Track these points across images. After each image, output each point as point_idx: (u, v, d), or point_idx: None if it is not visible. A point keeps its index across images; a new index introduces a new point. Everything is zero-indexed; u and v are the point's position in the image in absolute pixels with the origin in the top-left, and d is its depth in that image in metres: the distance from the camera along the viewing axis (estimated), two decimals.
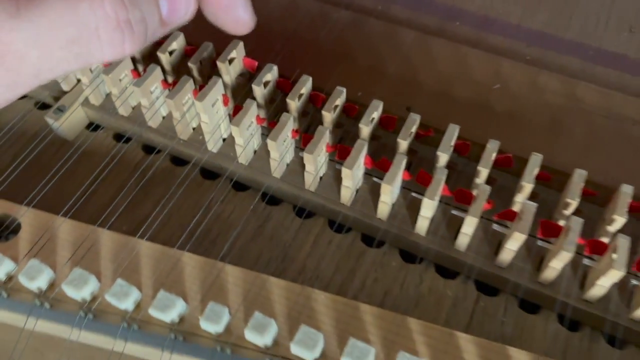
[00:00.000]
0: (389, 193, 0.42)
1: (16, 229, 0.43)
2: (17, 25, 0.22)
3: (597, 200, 0.44)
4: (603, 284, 0.39)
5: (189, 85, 0.46)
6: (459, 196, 0.42)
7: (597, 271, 0.39)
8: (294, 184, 0.46)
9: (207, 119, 0.45)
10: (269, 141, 0.43)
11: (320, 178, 0.47)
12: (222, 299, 0.39)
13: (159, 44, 0.50)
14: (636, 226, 0.43)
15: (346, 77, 0.50)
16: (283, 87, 0.48)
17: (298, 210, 0.47)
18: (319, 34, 0.58)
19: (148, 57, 0.51)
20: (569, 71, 0.56)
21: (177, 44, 0.49)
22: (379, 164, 0.43)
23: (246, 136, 0.45)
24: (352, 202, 0.45)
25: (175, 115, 0.47)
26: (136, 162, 0.50)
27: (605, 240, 0.41)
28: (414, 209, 0.44)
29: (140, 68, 0.52)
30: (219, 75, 0.47)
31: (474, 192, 0.41)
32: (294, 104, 0.45)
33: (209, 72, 0.49)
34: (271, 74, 0.47)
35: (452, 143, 0.44)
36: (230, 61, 0.47)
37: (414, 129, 0.45)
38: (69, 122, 0.51)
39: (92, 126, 0.53)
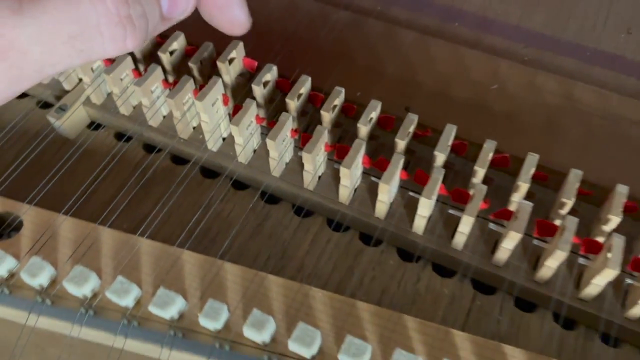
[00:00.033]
0: (387, 192, 0.42)
1: (18, 227, 0.44)
2: (20, 22, 0.22)
3: (593, 200, 0.45)
4: (598, 282, 0.39)
5: (190, 85, 0.46)
6: (456, 195, 0.43)
7: (592, 270, 0.40)
8: (293, 183, 0.47)
9: (207, 118, 0.46)
10: (268, 140, 0.44)
11: (319, 177, 0.47)
12: (221, 296, 0.40)
13: (159, 44, 0.51)
14: (631, 226, 0.44)
15: (345, 77, 0.51)
16: (282, 87, 0.49)
17: (297, 209, 0.48)
18: (319, 34, 0.58)
19: (149, 57, 0.52)
20: (566, 72, 0.56)
21: (178, 44, 0.49)
22: (377, 164, 0.44)
23: (246, 135, 0.46)
24: (351, 201, 0.46)
25: (175, 114, 0.47)
26: (137, 161, 0.51)
27: (600, 239, 0.41)
28: (411, 208, 0.44)
29: (141, 68, 0.52)
30: (219, 75, 0.47)
31: (471, 192, 0.42)
32: (293, 103, 0.46)
33: (209, 72, 0.50)
34: (271, 74, 0.47)
35: (450, 143, 0.44)
36: (230, 61, 0.48)
37: (411, 129, 0.45)
38: (70, 121, 0.51)
39: (94, 125, 0.53)
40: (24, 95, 0.56)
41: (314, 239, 0.47)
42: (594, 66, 0.57)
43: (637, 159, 0.50)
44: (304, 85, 0.46)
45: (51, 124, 0.51)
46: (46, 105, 0.55)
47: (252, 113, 0.45)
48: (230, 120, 0.45)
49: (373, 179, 0.47)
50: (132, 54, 0.50)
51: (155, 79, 0.48)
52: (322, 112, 0.45)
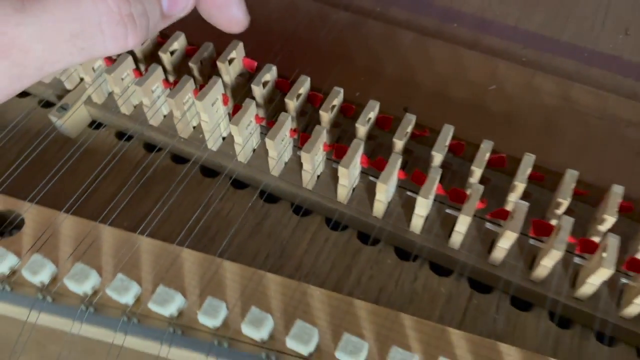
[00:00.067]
0: (385, 192, 0.43)
1: (20, 225, 0.44)
2: (22, 20, 0.23)
3: (589, 200, 0.45)
4: (593, 282, 0.39)
5: (190, 85, 0.47)
6: (453, 195, 0.43)
7: (588, 269, 0.40)
8: (292, 182, 0.47)
9: (207, 118, 0.46)
10: (267, 140, 0.44)
11: (318, 177, 0.47)
12: (220, 294, 0.40)
13: (160, 43, 0.51)
14: (627, 225, 0.44)
15: (344, 78, 0.51)
16: (282, 87, 0.49)
17: (295, 208, 0.48)
18: (318, 35, 0.59)
19: (150, 57, 0.52)
20: (564, 73, 0.57)
21: (179, 44, 0.50)
22: (375, 163, 0.44)
23: (245, 135, 0.46)
24: (349, 201, 0.46)
25: (176, 114, 0.48)
26: (137, 160, 0.51)
27: (596, 239, 0.41)
28: (409, 207, 0.44)
29: (142, 67, 0.53)
30: (219, 75, 0.47)
31: (468, 192, 0.42)
32: (292, 103, 0.46)
33: (209, 72, 0.50)
34: (270, 74, 0.47)
35: (447, 143, 0.45)
36: (230, 61, 0.48)
37: (409, 129, 0.45)
38: (72, 120, 0.52)
39: (95, 124, 0.54)
40: (25, 95, 0.56)
41: (312, 237, 0.47)
42: (591, 67, 0.57)
43: (633, 159, 0.50)
44: (303, 86, 0.47)
45: (53, 123, 0.52)
46: (48, 105, 0.55)
47: (251, 113, 0.45)
48: (230, 119, 0.46)
49: (371, 178, 0.47)
50: (133, 54, 0.51)
51: (156, 79, 0.48)
52: (320, 112, 0.45)
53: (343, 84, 0.47)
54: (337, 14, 0.61)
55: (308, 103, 0.49)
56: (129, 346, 0.39)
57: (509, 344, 0.39)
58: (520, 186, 0.42)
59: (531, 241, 0.44)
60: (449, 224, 0.44)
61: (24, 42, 0.23)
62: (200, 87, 0.45)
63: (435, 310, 0.43)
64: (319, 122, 0.46)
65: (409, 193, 0.46)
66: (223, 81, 0.48)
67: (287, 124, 0.45)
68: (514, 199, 0.43)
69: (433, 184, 0.41)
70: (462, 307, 0.43)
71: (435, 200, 0.45)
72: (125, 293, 0.39)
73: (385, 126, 0.48)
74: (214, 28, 0.31)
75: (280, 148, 0.46)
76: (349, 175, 0.43)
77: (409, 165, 0.48)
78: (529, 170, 0.43)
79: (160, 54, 0.49)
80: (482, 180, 0.44)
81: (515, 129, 0.52)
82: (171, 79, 0.52)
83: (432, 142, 0.44)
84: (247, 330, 0.38)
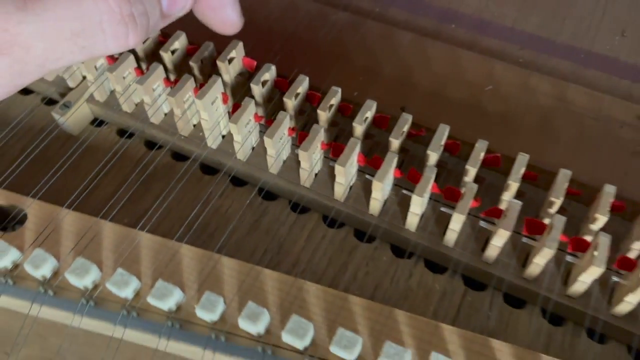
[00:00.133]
0: (380, 190, 0.43)
1: (22, 220, 0.45)
2: (24, 18, 0.23)
3: (583, 200, 0.46)
4: (584, 280, 0.40)
5: (190, 84, 0.47)
6: (447, 194, 0.44)
7: (579, 268, 0.41)
8: (290, 180, 0.48)
9: (206, 116, 0.47)
10: (265, 138, 0.45)
11: (315, 175, 0.48)
12: (218, 289, 0.41)
13: (161, 43, 0.52)
14: (619, 225, 0.45)
15: (343, 77, 0.52)
16: (281, 86, 0.50)
17: (293, 205, 0.49)
18: (318, 35, 0.59)
19: (151, 56, 0.53)
20: (560, 74, 0.57)
21: (180, 43, 0.51)
22: (372, 162, 0.45)
23: (244, 133, 0.47)
24: (345, 198, 0.47)
25: (176, 112, 0.49)
26: (138, 157, 0.52)
27: (589, 238, 0.42)
28: (404, 205, 0.45)
29: (144, 66, 0.53)
30: (219, 74, 0.48)
31: (462, 190, 0.43)
32: (290, 102, 0.47)
33: (210, 71, 0.51)
34: (269, 74, 0.48)
35: (442, 142, 0.45)
36: (230, 61, 0.49)
37: (405, 129, 0.46)
38: (74, 117, 0.53)
39: (97, 122, 0.54)
40: (29, 92, 0.57)
41: (309, 234, 0.48)
42: (588, 68, 0.58)
43: (627, 159, 0.51)
44: (302, 85, 0.47)
45: (55, 120, 0.53)
46: (51, 102, 0.56)
47: (250, 111, 0.46)
48: (229, 118, 0.46)
49: (368, 176, 0.48)
50: (134, 53, 0.51)
51: (157, 78, 0.49)
52: (318, 111, 0.46)
53: (341, 83, 0.48)
54: (336, 14, 0.62)
55: (307, 102, 0.49)
56: (128, 339, 0.40)
57: (502, 340, 0.39)
58: (513, 185, 0.43)
59: (524, 239, 0.44)
60: (444, 222, 0.45)
61: (26, 40, 0.23)
62: (201, 86, 0.46)
63: (430, 306, 0.44)
64: (317, 121, 0.47)
65: (404, 191, 0.47)
66: (223, 80, 0.49)
67: (285, 123, 0.45)
68: (507, 198, 0.44)
69: (428, 183, 0.42)
70: (456, 303, 0.44)
71: (430, 198, 0.46)
72: (125, 287, 0.40)
73: (382, 125, 0.48)
74: None
75: (278, 146, 0.46)
76: (346, 174, 0.44)
77: (405, 164, 0.48)
78: (522, 170, 0.43)
79: (162, 53, 0.50)
80: (477, 179, 0.44)
81: (511, 129, 0.53)
82: (172, 77, 0.52)
83: (428, 141, 0.45)
84: (244, 324, 0.39)
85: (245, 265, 0.42)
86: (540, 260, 0.41)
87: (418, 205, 0.43)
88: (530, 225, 0.42)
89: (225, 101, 0.48)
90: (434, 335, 0.39)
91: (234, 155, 0.49)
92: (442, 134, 0.45)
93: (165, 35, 0.52)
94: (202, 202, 0.48)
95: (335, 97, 0.47)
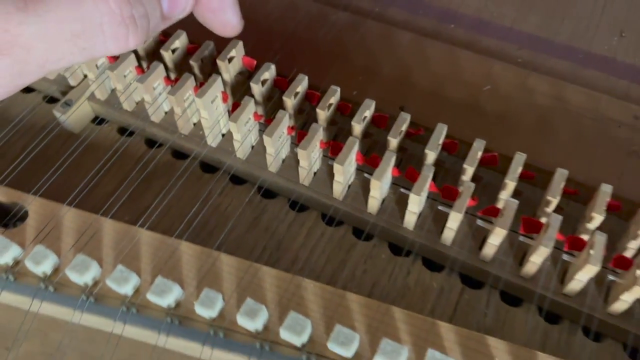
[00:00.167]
0: (379, 188, 0.44)
1: (23, 217, 0.45)
2: (25, 19, 0.23)
3: (579, 199, 0.46)
4: (580, 278, 0.40)
5: (190, 82, 0.48)
6: (445, 192, 0.44)
7: (575, 266, 0.41)
8: (289, 179, 0.48)
9: (206, 115, 0.47)
10: (265, 137, 0.45)
11: (314, 173, 0.48)
12: (217, 285, 0.41)
13: (162, 42, 0.52)
14: (615, 224, 0.45)
15: (342, 77, 0.52)
16: (280, 86, 0.50)
17: (292, 203, 0.49)
18: (317, 35, 0.60)
19: (152, 55, 0.53)
20: (558, 74, 0.57)
21: (180, 42, 0.51)
22: (370, 161, 0.45)
23: (244, 132, 0.47)
24: (344, 197, 0.47)
25: (176, 110, 0.49)
26: (139, 155, 0.52)
27: (585, 237, 0.42)
28: (402, 204, 0.45)
29: (144, 65, 0.54)
30: (219, 73, 0.48)
31: (460, 189, 0.43)
32: (290, 101, 0.47)
33: (210, 70, 0.51)
34: (269, 73, 0.48)
35: (440, 142, 0.46)
36: (230, 60, 0.49)
37: (404, 128, 0.46)
38: (75, 115, 0.53)
39: (98, 120, 0.55)
40: (30, 90, 0.57)
41: (308, 232, 0.48)
42: (586, 68, 0.58)
43: (624, 159, 0.51)
44: (301, 84, 0.48)
45: (57, 118, 0.53)
46: (52, 100, 0.56)
47: (250, 110, 0.46)
48: (229, 117, 0.47)
49: (366, 175, 0.48)
50: (135, 52, 0.52)
51: (158, 76, 0.49)
52: (317, 110, 0.46)
53: (341, 82, 0.48)
54: (336, 14, 0.62)
55: (306, 101, 0.50)
56: (128, 335, 0.40)
57: (499, 338, 0.39)
58: (511, 184, 0.43)
59: (521, 238, 0.45)
60: (441, 221, 0.45)
61: (26, 41, 0.23)
62: (201, 85, 0.47)
63: (427, 304, 0.44)
64: (316, 120, 0.47)
65: (402, 190, 0.47)
66: (223, 79, 0.49)
67: (284, 122, 0.46)
68: (505, 197, 0.44)
69: (426, 182, 0.42)
70: (453, 301, 0.44)
71: (428, 197, 0.46)
72: (124, 284, 0.40)
73: (381, 124, 0.49)
74: None
75: (277, 145, 0.47)
76: (344, 172, 0.44)
77: (403, 162, 0.49)
78: (519, 169, 0.44)
79: (162, 52, 0.50)
80: (474, 178, 0.45)
81: (508, 128, 0.53)
82: (172, 76, 0.52)
83: (426, 140, 0.45)
84: (242, 321, 0.39)
85: (244, 263, 0.43)
86: (537, 258, 0.41)
87: (416, 203, 0.43)
88: (527, 224, 0.42)
89: (225, 100, 0.48)
90: (430, 333, 0.40)
91: (233, 153, 0.49)
92: (440, 133, 0.45)
93: (166, 34, 0.52)
94: (202, 200, 0.48)
95: (334, 96, 0.47)
